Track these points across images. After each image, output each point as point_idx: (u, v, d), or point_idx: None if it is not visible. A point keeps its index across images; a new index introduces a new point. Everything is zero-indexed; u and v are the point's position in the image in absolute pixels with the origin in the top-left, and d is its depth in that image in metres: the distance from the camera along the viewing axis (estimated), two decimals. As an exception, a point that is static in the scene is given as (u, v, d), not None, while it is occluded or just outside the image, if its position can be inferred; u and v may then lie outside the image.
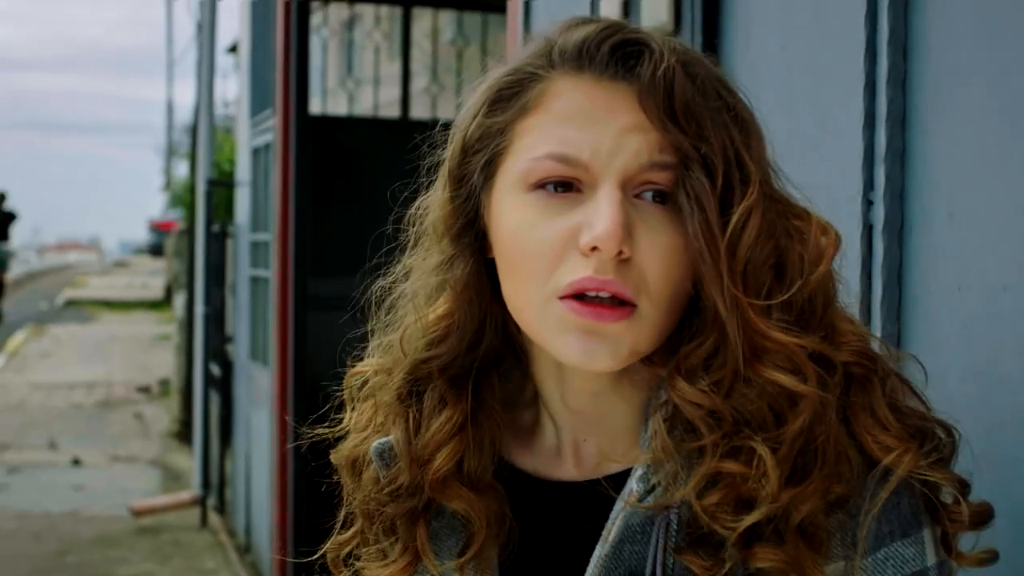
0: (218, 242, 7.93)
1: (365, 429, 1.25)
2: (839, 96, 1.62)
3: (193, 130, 10.90)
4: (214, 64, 8.23)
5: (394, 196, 1.28)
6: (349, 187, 6.24)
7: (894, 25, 1.51)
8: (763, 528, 1.03)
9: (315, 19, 8.86)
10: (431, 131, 1.21)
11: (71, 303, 25.49)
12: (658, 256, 1.05)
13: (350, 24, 14.29)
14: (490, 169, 1.12)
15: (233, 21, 8.55)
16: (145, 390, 13.20)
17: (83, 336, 18.68)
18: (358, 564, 1.25)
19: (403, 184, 1.27)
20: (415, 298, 1.19)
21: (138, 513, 7.69)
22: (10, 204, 21.27)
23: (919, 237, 1.49)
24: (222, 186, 8.66)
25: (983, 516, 1.12)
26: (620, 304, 1.04)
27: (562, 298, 1.05)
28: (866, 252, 1.55)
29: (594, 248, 1.03)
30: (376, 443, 1.21)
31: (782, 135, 1.76)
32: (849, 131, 1.58)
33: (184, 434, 10.05)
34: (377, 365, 1.25)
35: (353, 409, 1.28)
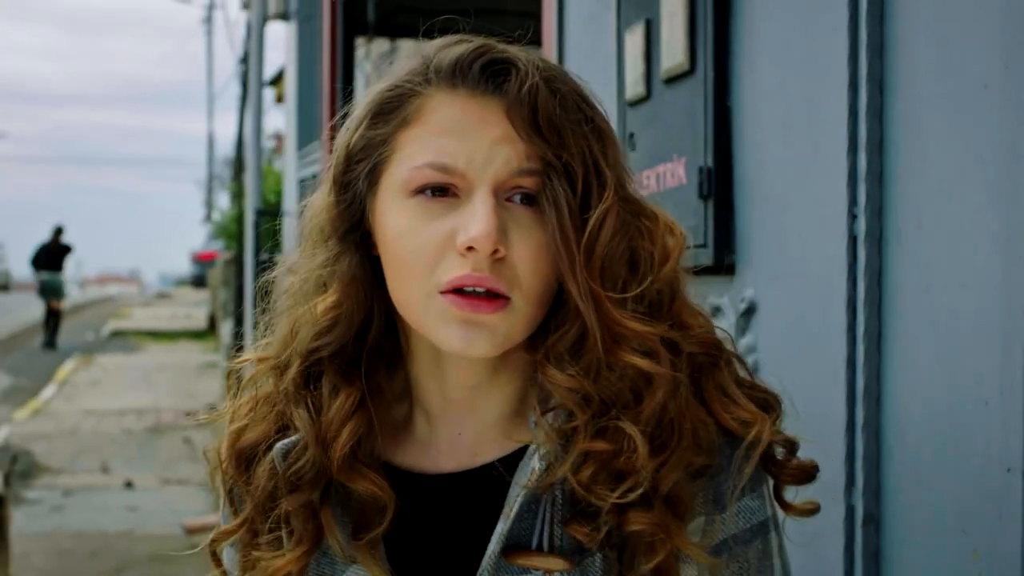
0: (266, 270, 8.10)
1: (245, 418, 1.27)
2: (827, 125, 1.75)
3: (234, 162, 11.09)
4: (261, 95, 8.46)
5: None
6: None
7: (871, 64, 1.64)
8: (635, 497, 1.10)
9: (358, 53, 9.08)
10: None
11: (117, 333, 25.24)
12: (528, 254, 1.12)
13: (391, 55, 14.49)
14: (374, 176, 1.17)
15: (274, 55, 8.79)
16: (193, 415, 13.18)
17: (130, 365, 18.58)
18: (254, 554, 1.24)
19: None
20: (303, 292, 1.23)
21: (191, 531, 7.81)
22: (66, 238, 21.71)
23: (894, 246, 1.62)
24: (270, 215, 8.86)
25: (810, 472, 1.21)
26: (495, 297, 1.11)
27: (443, 292, 1.12)
28: (851, 260, 1.68)
29: (470, 248, 1.10)
30: (280, 444, 1.21)
31: (781, 159, 1.96)
32: (836, 155, 1.71)
33: (232, 457, 10.10)
34: (259, 355, 1.28)
35: (235, 398, 1.30)
